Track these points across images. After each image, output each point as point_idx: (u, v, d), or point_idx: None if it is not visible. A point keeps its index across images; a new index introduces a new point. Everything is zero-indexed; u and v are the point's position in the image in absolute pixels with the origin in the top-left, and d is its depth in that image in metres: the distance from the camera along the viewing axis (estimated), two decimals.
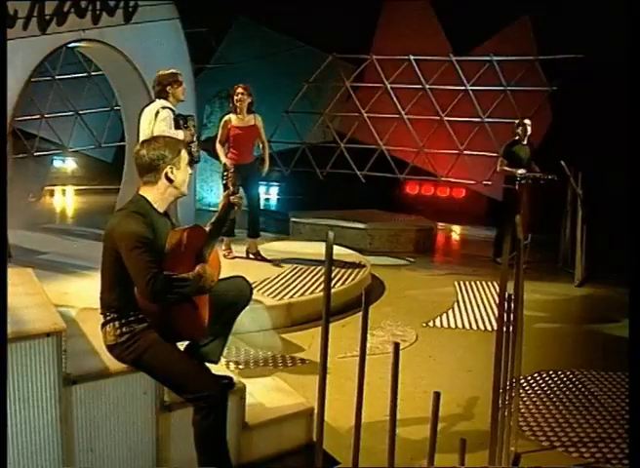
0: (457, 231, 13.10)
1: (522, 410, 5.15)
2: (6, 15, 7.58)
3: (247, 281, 4.17)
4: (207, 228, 3.89)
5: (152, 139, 3.85)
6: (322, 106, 13.95)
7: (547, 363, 6.21)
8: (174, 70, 7.07)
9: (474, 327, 7.20)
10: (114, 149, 15.41)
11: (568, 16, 11.43)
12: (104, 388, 3.73)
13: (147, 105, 7.13)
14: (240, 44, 14.88)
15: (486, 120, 12.43)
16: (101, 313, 3.81)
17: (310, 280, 7.80)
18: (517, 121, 10.09)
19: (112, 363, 3.78)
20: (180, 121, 6.90)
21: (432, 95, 12.85)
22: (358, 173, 13.26)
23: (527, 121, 9.99)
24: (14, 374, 3.42)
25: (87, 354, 3.91)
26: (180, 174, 3.74)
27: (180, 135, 6.70)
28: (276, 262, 8.39)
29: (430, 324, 7.23)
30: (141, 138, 6.82)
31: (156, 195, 3.74)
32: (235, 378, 4.20)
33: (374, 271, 8.97)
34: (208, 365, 3.90)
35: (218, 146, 8.32)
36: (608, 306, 8.22)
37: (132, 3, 9.37)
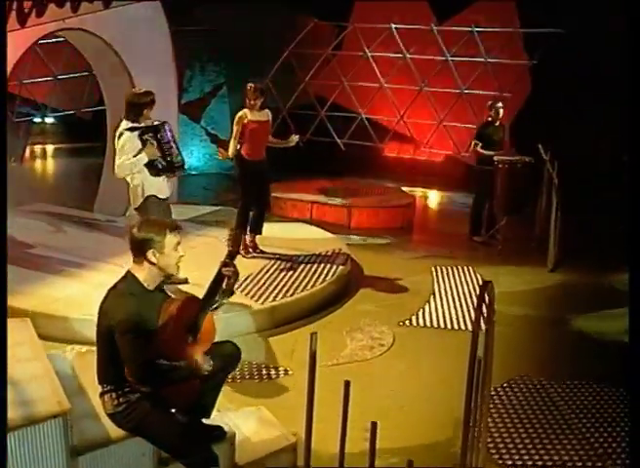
0: (435, 200, 13.32)
1: (490, 428, 5.43)
2: (6, 15, 7.58)
3: (236, 346, 4.39)
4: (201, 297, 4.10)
5: (144, 222, 4.06)
6: (303, 72, 13.95)
7: (518, 368, 6.49)
8: (148, 90, 6.93)
9: (449, 325, 7.47)
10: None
11: None
12: (107, 454, 3.98)
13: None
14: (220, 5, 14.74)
15: (465, 91, 12.53)
16: (99, 383, 4.03)
17: (293, 275, 8.03)
18: (490, 102, 10.20)
19: (113, 429, 4.02)
20: (144, 137, 6.71)
21: (413, 64, 12.90)
22: (339, 141, 13.38)
23: (499, 103, 10.10)
24: (21, 456, 3.65)
25: (89, 419, 4.12)
26: (164, 258, 3.92)
27: (141, 159, 6.67)
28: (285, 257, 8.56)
29: (407, 322, 7.51)
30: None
31: (144, 274, 3.94)
32: (225, 427, 4.44)
33: (352, 252, 9.22)
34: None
35: (232, 142, 8.31)
36: (579, 296, 8.52)
37: None
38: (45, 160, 15.92)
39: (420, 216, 11.93)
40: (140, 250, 3.91)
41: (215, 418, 4.40)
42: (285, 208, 11.26)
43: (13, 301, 6.86)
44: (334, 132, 13.44)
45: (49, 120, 17.08)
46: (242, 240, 8.54)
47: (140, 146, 6.69)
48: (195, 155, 14.16)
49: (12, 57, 8.23)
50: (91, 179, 11.30)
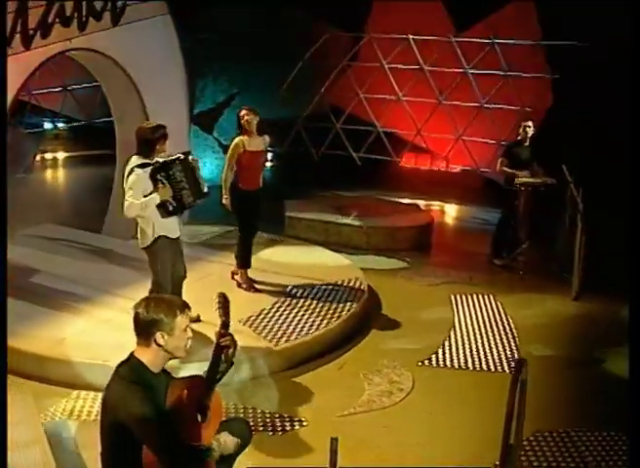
0: (452, 214, 12.97)
1: None
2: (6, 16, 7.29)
3: (247, 423, 4.11)
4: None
5: (150, 300, 3.70)
6: (318, 83, 13.61)
7: (543, 416, 6.17)
8: (159, 123, 6.57)
9: (470, 366, 7.15)
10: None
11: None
12: None
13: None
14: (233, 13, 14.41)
15: (485, 105, 12.16)
16: None
17: (307, 311, 7.72)
18: (523, 122, 9.86)
19: None
20: (157, 177, 6.34)
21: (431, 76, 12.55)
22: (354, 154, 13.05)
23: (529, 122, 9.78)
24: None
25: None
26: (173, 340, 3.61)
27: (152, 200, 6.32)
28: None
29: (427, 362, 7.19)
30: None
31: (149, 358, 3.63)
32: None
33: (369, 278, 8.92)
34: None
35: (226, 174, 7.86)
36: (605, 329, 8.20)
37: (119, 3, 8.99)
38: (55, 169, 15.64)
39: (438, 234, 11.58)
40: (147, 332, 3.60)
41: None
42: (299, 228, 10.92)
43: (15, 342, 6.63)
44: (349, 144, 13.11)
45: (60, 125, 16.86)
46: (246, 277, 8.25)
47: (151, 187, 6.32)
48: (208, 167, 13.85)
49: (17, 80, 7.96)
50: (101, 192, 10.96)
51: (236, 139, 7.84)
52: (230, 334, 3.86)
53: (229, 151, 7.91)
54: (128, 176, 6.38)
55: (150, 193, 6.34)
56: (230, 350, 3.85)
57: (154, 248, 6.55)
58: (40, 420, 4.32)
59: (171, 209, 6.42)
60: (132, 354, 3.67)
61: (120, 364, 3.67)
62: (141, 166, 6.36)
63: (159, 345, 3.61)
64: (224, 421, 3.97)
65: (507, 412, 3.66)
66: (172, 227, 6.61)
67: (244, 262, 8.22)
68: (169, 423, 3.53)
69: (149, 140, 6.40)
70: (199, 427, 3.73)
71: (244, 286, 8.19)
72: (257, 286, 8.24)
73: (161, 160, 6.43)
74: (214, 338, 6.41)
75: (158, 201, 6.34)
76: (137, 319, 3.62)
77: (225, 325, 3.91)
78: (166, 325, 3.58)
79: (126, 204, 6.33)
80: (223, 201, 7.97)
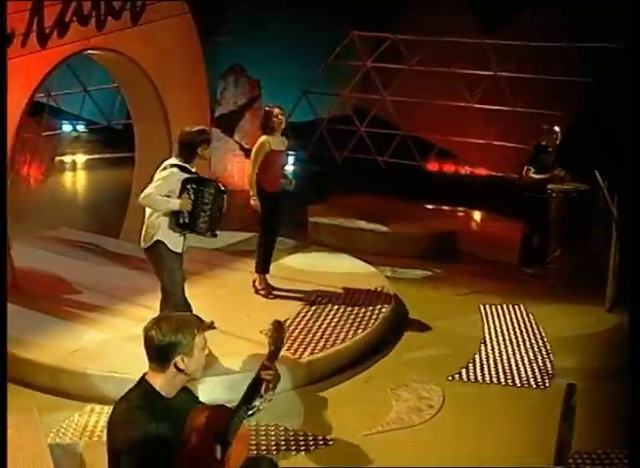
0: (479, 221, 12.60)
1: None
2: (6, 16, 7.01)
3: (273, 461, 3.80)
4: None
5: (164, 320, 3.33)
6: (341, 85, 13.31)
7: (580, 435, 5.75)
8: (202, 127, 6.34)
9: (502, 381, 6.81)
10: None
11: None
12: None
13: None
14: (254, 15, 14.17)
15: (516, 109, 11.81)
16: None
17: (332, 321, 7.40)
18: (546, 127, 9.52)
19: None
20: (189, 185, 6.09)
21: (458, 78, 12.21)
22: (379, 159, 12.74)
23: (556, 128, 9.45)
24: None
25: None
26: (194, 362, 3.27)
27: (171, 204, 6.03)
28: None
29: (457, 376, 6.86)
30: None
31: (163, 382, 3.29)
32: None
33: (395, 287, 8.60)
34: None
35: (251, 176, 7.61)
36: None
37: (139, 2, 8.73)
38: (74, 172, 15.42)
39: (465, 241, 11.22)
40: (164, 357, 3.24)
41: None
42: (323, 234, 10.60)
43: (28, 353, 6.41)
44: (373, 148, 12.79)
45: (80, 128, 16.68)
46: (265, 283, 7.96)
47: (177, 190, 6.05)
48: (229, 170, 13.60)
49: (33, 80, 7.72)
50: (120, 196, 10.71)
51: (262, 139, 7.61)
52: (275, 368, 3.53)
53: (255, 151, 7.66)
54: (162, 170, 6.12)
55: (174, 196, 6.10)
56: (271, 385, 3.52)
57: (154, 251, 6.19)
58: (46, 444, 4.00)
59: (182, 221, 6.11)
60: (143, 377, 3.34)
61: (131, 388, 3.34)
62: (180, 168, 6.13)
63: (179, 370, 3.28)
64: (248, 459, 3.62)
65: (559, 441, 3.33)
66: (174, 239, 6.21)
67: (263, 267, 7.94)
68: (166, 458, 3.17)
69: (192, 144, 6.16)
70: (216, 465, 3.36)
71: (262, 292, 7.91)
72: (279, 294, 7.95)
73: (200, 175, 6.27)
74: (230, 349, 6.17)
75: (177, 208, 6.05)
76: (151, 343, 3.26)
77: (273, 356, 3.58)
78: (185, 347, 3.24)
79: (146, 191, 6.04)
80: (252, 202, 7.69)
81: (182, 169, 6.13)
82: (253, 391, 3.49)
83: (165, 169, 6.13)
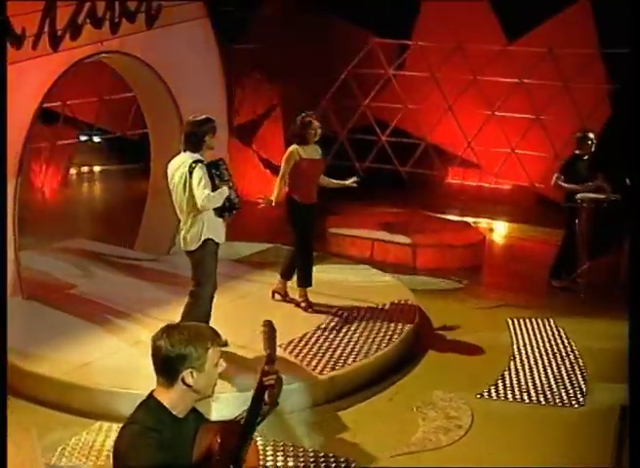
0: (503, 233, 12.21)
1: None
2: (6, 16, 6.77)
3: None
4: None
5: (175, 329, 2.99)
6: (362, 94, 12.99)
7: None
8: (207, 116, 6.25)
9: (534, 399, 6.44)
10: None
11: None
12: None
13: (172, 159, 6.31)
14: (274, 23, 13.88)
15: (541, 117, 11.45)
16: None
17: (354, 336, 7.06)
18: (579, 134, 9.13)
19: None
20: (213, 172, 6.11)
21: (482, 86, 11.86)
22: (401, 169, 12.41)
23: (591, 134, 9.06)
24: None
25: None
26: (204, 378, 2.92)
27: (224, 191, 6.06)
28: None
29: (485, 394, 6.48)
30: (178, 202, 6.17)
31: (173, 399, 2.94)
32: None
33: (419, 300, 8.25)
34: None
35: (278, 184, 7.42)
36: None
37: (155, 4, 8.47)
38: (91, 182, 15.23)
39: (490, 253, 10.86)
40: (172, 370, 2.91)
41: None
42: (343, 245, 10.28)
43: (35, 366, 6.12)
44: (395, 158, 12.47)
45: (96, 139, 16.46)
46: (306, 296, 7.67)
47: (209, 182, 6.04)
48: (247, 179, 13.31)
49: (43, 84, 7.46)
50: (136, 207, 10.44)
51: (291, 148, 7.40)
52: (276, 372, 3.21)
53: (284, 160, 7.41)
54: (190, 174, 6.02)
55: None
56: (275, 390, 3.19)
57: (201, 252, 6.22)
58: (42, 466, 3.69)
59: (227, 205, 6.17)
60: (151, 394, 2.99)
61: (138, 406, 3.01)
62: (201, 161, 6.10)
63: (187, 385, 2.95)
64: None
65: None
66: (220, 230, 6.31)
67: (305, 281, 7.63)
68: None
69: (198, 133, 6.16)
70: None
71: (302, 305, 7.62)
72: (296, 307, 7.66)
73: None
74: (248, 364, 5.84)
75: (227, 194, 6.09)
76: (158, 354, 2.93)
77: (271, 360, 3.27)
78: (195, 360, 2.90)
79: (201, 195, 5.96)
80: (260, 202, 7.43)
81: (202, 161, 6.12)
82: (258, 402, 3.17)
83: (192, 171, 6.05)
